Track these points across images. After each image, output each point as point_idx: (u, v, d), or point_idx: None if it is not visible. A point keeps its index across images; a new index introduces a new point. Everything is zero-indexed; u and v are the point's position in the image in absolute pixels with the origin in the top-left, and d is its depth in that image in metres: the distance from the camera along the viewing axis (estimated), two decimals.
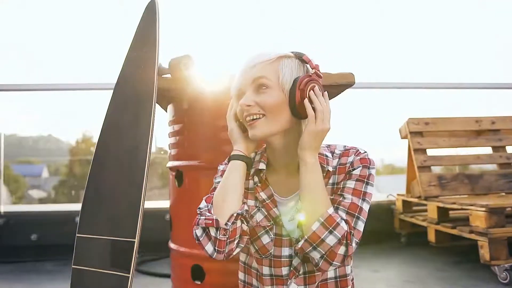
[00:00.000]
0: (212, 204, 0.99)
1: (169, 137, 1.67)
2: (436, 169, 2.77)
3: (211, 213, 0.97)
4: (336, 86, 1.46)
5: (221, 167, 1.11)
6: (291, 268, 1.01)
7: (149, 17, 1.44)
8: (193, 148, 1.52)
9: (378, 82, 3.16)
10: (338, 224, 0.91)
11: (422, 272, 2.25)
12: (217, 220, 0.94)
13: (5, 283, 2.25)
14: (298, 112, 0.97)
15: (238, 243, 1.00)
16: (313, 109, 0.95)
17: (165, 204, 2.97)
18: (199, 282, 1.53)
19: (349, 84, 1.46)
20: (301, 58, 1.02)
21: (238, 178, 1.01)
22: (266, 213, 1.03)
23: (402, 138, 2.93)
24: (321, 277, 1.01)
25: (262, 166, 1.05)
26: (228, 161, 1.05)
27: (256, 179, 1.06)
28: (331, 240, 0.90)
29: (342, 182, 1.00)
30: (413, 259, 2.54)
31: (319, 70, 1.01)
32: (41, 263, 2.64)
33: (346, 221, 0.93)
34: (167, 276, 2.24)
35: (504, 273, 2.00)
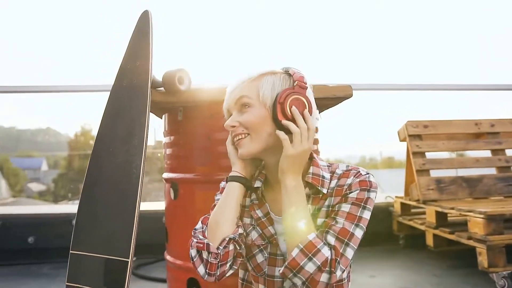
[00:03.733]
0: (207, 226, 0.99)
1: (164, 147, 1.64)
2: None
3: (204, 236, 0.97)
4: (334, 98, 1.44)
5: (222, 184, 1.11)
6: None
7: (143, 28, 1.41)
8: (188, 160, 1.50)
9: (378, 84, 3.12)
10: (318, 250, 0.87)
11: (419, 277, 2.24)
12: (207, 244, 0.94)
13: None
14: (283, 126, 0.93)
15: (231, 265, 0.98)
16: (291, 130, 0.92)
17: (161, 205, 2.95)
18: None
19: (347, 97, 1.44)
20: (288, 73, 0.99)
21: (234, 200, 1.00)
22: (261, 232, 1.02)
23: (400, 140, 2.90)
24: None
25: (258, 184, 1.04)
26: (226, 182, 1.04)
27: (253, 196, 1.05)
28: (310, 268, 0.87)
29: (337, 205, 0.96)
30: (410, 263, 2.54)
31: (303, 82, 0.97)
32: (38, 266, 2.63)
33: (334, 247, 0.89)
34: (163, 281, 2.23)
35: (502, 281, 1.98)
